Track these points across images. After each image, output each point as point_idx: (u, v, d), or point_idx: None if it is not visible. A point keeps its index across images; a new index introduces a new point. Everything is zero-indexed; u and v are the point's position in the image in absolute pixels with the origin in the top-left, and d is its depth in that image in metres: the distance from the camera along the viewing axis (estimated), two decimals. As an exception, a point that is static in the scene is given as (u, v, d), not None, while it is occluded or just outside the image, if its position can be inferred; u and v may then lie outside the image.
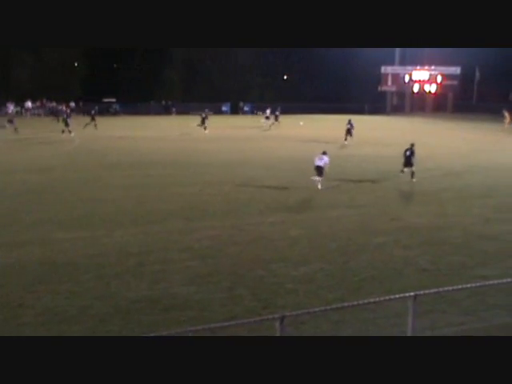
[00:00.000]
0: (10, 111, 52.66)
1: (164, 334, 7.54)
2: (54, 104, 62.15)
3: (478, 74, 74.57)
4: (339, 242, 15.73)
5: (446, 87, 75.74)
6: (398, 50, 75.28)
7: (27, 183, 23.50)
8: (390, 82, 77.51)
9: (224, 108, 71.00)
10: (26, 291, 11.79)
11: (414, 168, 24.95)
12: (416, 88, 76.36)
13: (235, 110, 71.28)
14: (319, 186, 23.13)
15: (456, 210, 19.76)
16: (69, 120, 42.51)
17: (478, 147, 38.78)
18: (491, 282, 10.71)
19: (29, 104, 60.82)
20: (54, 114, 45.44)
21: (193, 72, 71.70)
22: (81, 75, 68.06)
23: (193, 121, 49.60)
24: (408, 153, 25.24)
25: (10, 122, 44.94)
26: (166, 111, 65.22)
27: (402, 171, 25.33)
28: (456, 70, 73.74)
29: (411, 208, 20.06)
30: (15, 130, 43.16)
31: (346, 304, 10.09)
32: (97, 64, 66.49)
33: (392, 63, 76.62)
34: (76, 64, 69.33)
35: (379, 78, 76.71)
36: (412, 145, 25.49)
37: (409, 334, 8.08)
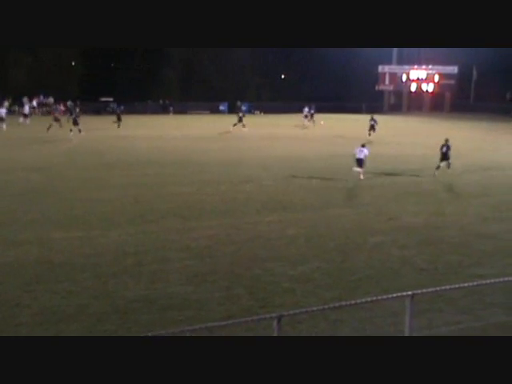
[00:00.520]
0: (26, 110, 52.67)
1: (161, 333, 7.53)
2: (51, 100, 61.98)
3: (475, 73, 74.60)
4: (336, 241, 15.74)
5: (444, 86, 75.77)
6: (395, 50, 75.27)
7: (25, 182, 23.47)
8: (387, 82, 77.53)
9: (221, 107, 70.95)
10: (23, 290, 11.78)
11: (450, 160, 26.58)
12: (413, 87, 76.39)
13: (233, 110, 71.27)
14: (361, 177, 24.99)
15: (453, 209, 19.79)
16: (78, 119, 42.19)
17: (476, 146, 38.82)
18: (488, 281, 10.73)
19: (34, 103, 60.67)
20: (56, 118, 45.35)
21: (190, 71, 71.61)
22: (78, 75, 67.93)
23: (197, 120, 49.53)
24: (444, 148, 26.81)
25: (25, 116, 44.33)
26: (164, 110, 65.13)
27: (438, 167, 26.57)
28: (453, 69, 73.75)
29: (409, 207, 20.07)
30: (60, 126, 43.10)
31: (343, 303, 10.07)
32: (94, 63, 66.33)
33: (389, 62, 76.65)
34: (73, 63, 69.20)
35: (377, 78, 76.74)
36: (447, 140, 26.97)
37: (406, 333, 8.09)
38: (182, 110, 65.58)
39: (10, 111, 48.09)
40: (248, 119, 47.90)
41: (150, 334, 6.73)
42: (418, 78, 75.96)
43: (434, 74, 75.05)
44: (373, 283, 12.50)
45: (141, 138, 40.45)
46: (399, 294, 8.73)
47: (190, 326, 8.83)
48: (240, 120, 46.31)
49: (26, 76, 64.26)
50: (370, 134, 41.60)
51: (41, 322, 10.35)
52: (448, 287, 10.53)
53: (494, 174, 27.44)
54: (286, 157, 31.99)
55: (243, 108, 70.63)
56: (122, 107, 57.77)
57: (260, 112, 69.86)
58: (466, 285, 10.38)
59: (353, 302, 9.89)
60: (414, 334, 8.13)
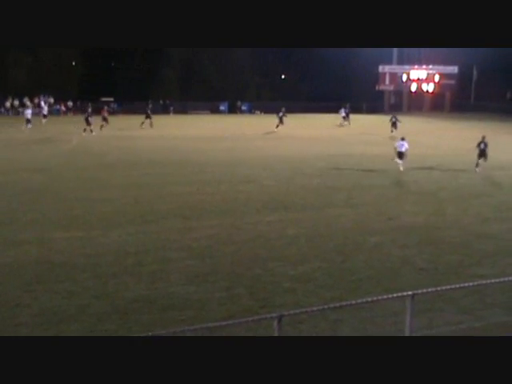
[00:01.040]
0: (45, 111, 52.93)
1: (162, 333, 7.53)
2: (51, 100, 61.96)
3: (475, 73, 74.60)
4: (337, 241, 15.74)
5: (444, 86, 75.73)
6: (395, 50, 75.20)
7: (25, 182, 23.46)
8: (387, 81, 77.48)
9: (222, 107, 70.93)
10: (23, 291, 11.78)
11: (487, 158, 27.75)
12: (414, 87, 76.33)
13: (233, 110, 71.26)
14: (401, 168, 26.96)
15: (454, 209, 19.77)
16: (90, 119, 42.40)
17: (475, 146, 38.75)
18: (489, 281, 10.73)
19: (42, 103, 60.79)
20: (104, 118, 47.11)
21: (190, 71, 71.59)
22: (78, 74, 67.91)
23: (197, 120, 49.37)
24: (482, 145, 27.91)
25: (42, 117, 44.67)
26: (164, 110, 65.10)
27: (477, 164, 27.58)
28: (454, 69, 73.72)
29: (408, 207, 20.06)
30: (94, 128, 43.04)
31: (344, 303, 10.08)
32: (94, 63, 66.32)
33: (390, 62, 76.63)
34: (73, 63, 69.17)
35: (377, 77, 76.72)
36: (483, 137, 27.99)
37: (407, 333, 8.09)
38: (182, 110, 65.59)
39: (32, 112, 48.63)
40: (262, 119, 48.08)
41: (150, 334, 6.73)
42: (418, 78, 75.92)
43: (434, 74, 75.01)
44: (373, 283, 12.50)
45: (141, 138, 40.45)
46: (400, 294, 8.74)
47: (190, 325, 8.82)
48: (281, 121, 47.45)
49: (26, 76, 64.24)
50: (392, 131, 44.21)
51: (41, 322, 10.34)
52: (448, 287, 10.54)
53: (496, 174, 27.42)
54: (287, 157, 31.99)
55: (243, 108, 70.81)
56: (116, 105, 58.24)
57: (260, 112, 70.02)
58: (466, 285, 10.40)
59: (353, 301, 9.90)
60: (415, 334, 8.14)
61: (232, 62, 71.56)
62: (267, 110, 69.12)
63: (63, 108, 60.21)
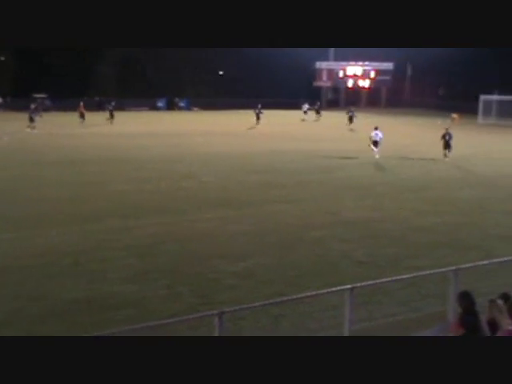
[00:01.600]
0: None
1: (101, 333, 7.41)
2: None
3: (409, 69, 76.47)
4: (277, 236, 15.85)
5: (380, 82, 77.38)
6: (332, 46, 76.31)
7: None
8: (324, 78, 78.60)
9: (159, 104, 70.27)
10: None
11: (452, 149, 29.66)
12: (350, 83, 77.71)
13: (171, 106, 70.71)
14: (377, 156, 29.71)
15: (391, 204, 20.22)
16: (33, 115, 42.07)
17: (413, 141, 39.78)
18: (424, 273, 11.01)
19: None
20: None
21: (127, 68, 70.63)
22: (9, 70, 65.95)
23: (134, 117, 48.68)
24: (447, 137, 29.80)
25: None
26: (99, 107, 63.78)
27: (445, 155, 29.54)
28: (389, 65, 75.40)
29: (348, 202, 20.39)
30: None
31: (284, 298, 10.19)
32: (26, 59, 64.51)
33: (327, 59, 77.65)
34: (3, 58, 67.14)
35: (314, 74, 77.64)
36: (447, 129, 30.54)
37: (346, 326, 8.23)
38: (119, 107, 64.62)
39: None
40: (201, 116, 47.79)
41: (87, 335, 6.61)
42: (354, 74, 77.27)
43: (370, 70, 76.52)
44: (313, 277, 12.64)
45: (77, 136, 39.63)
46: (339, 288, 8.87)
47: (130, 325, 8.70)
48: (257, 118, 49.41)
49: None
50: (348, 125, 46.82)
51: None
52: (386, 280, 10.76)
53: (431, 169, 28.16)
54: (226, 153, 31.99)
55: (181, 104, 70.24)
56: (49, 102, 57.17)
57: (198, 108, 69.74)
58: (403, 277, 10.68)
59: (294, 296, 10.01)
60: (354, 327, 8.28)
61: (168, 59, 70.92)
62: (206, 107, 68.96)
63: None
